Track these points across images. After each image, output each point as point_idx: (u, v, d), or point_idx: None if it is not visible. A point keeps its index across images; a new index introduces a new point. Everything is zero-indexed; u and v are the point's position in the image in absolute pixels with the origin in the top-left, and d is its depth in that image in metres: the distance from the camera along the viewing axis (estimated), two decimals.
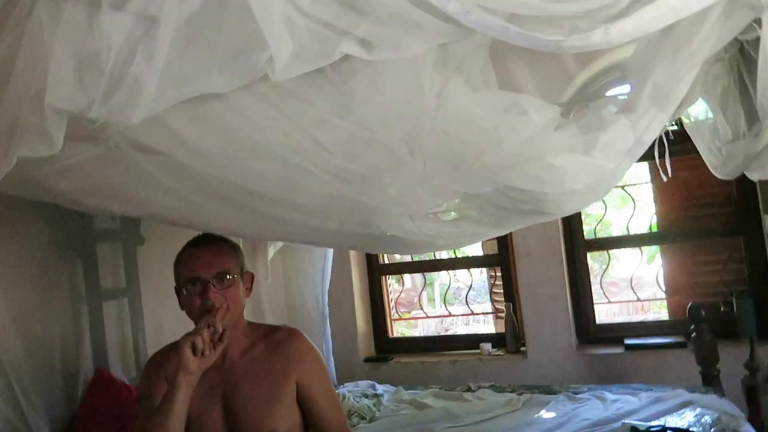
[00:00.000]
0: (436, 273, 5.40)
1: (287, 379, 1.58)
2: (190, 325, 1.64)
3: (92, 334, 2.39)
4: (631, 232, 3.45)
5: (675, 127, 2.35)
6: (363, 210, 1.30)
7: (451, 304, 4.86)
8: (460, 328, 6.31)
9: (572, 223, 3.35)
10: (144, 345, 2.55)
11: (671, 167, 2.12)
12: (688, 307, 2.72)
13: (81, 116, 0.92)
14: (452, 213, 1.47)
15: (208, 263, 1.51)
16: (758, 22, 1.23)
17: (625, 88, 2.69)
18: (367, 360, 3.65)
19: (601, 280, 3.62)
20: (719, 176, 1.98)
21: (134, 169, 1.23)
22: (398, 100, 1.01)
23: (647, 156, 1.65)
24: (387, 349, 3.77)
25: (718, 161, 1.90)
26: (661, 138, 2.14)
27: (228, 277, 1.52)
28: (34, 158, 0.95)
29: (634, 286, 3.58)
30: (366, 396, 2.93)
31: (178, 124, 1.09)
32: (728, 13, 1.07)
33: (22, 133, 0.94)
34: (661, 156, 2.09)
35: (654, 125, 1.29)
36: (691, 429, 1.99)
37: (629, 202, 3.53)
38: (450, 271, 4.03)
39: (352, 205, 1.28)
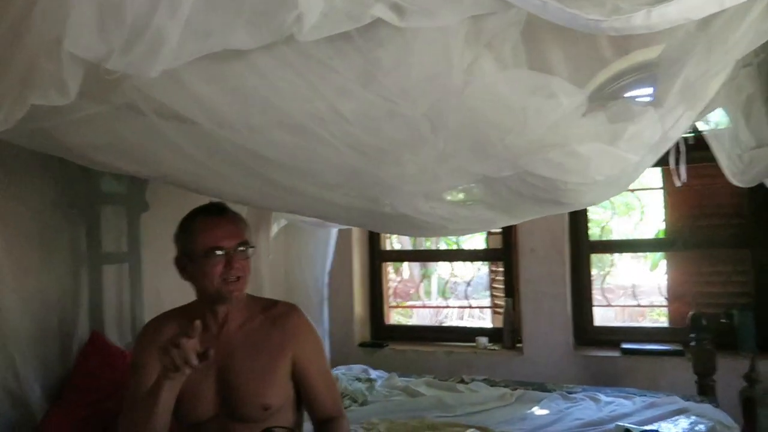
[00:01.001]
0: (435, 266, 5.40)
1: (284, 354, 1.57)
2: (189, 294, 1.63)
3: (90, 297, 2.37)
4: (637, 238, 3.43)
5: (691, 134, 2.33)
6: (378, 185, 1.28)
7: (448, 297, 4.85)
8: (454, 322, 6.30)
9: (578, 223, 3.33)
10: (141, 311, 2.53)
11: (684, 175, 2.10)
12: (689, 315, 2.71)
13: (99, 66, 0.90)
14: (467, 196, 1.44)
15: (230, 233, 1.50)
16: None
17: (646, 91, 2.67)
18: (362, 345, 3.64)
19: (602, 284, 3.60)
20: (738, 184, 1.95)
21: (147, 128, 1.20)
22: (425, 73, 0.98)
23: (661, 161, 1.62)
24: (382, 335, 3.76)
25: (738, 168, 1.88)
26: (677, 144, 2.12)
27: (248, 247, 1.52)
28: (47, 107, 0.93)
29: (634, 293, 3.56)
30: (359, 380, 2.92)
31: (195, 83, 1.06)
32: None
33: (37, 79, 0.92)
34: (677, 162, 2.07)
35: (681, 122, 1.27)
36: None
37: (633, 211, 3.51)
38: (449, 265, 4.01)
39: (367, 180, 1.25)
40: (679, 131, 1.32)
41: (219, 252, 1.48)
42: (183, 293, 1.67)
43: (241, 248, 1.51)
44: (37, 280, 2.21)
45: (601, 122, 1.13)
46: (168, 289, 2.51)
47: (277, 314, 1.62)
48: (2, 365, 2.06)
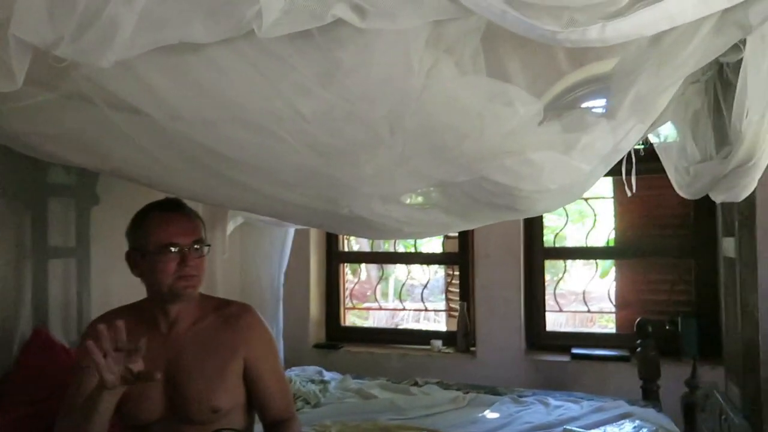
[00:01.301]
0: (392, 268, 5.41)
1: (235, 355, 1.54)
2: (140, 292, 1.58)
3: (34, 292, 2.28)
4: (589, 245, 3.51)
5: (642, 146, 2.40)
6: (335, 186, 1.27)
7: (404, 300, 4.87)
8: (410, 325, 6.32)
9: (533, 229, 3.39)
10: (89, 308, 2.45)
11: (635, 185, 2.16)
12: (636, 322, 2.80)
13: (48, 52, 0.87)
14: (424, 200, 1.45)
15: (186, 230, 1.47)
16: (744, 43, 1.25)
17: (600, 102, 2.74)
18: (317, 346, 3.62)
19: (554, 290, 3.67)
20: (684, 195, 2.02)
21: (98, 119, 1.16)
22: (385, 75, 0.98)
23: (612, 171, 1.67)
24: (337, 337, 3.75)
25: (685, 181, 1.94)
26: (628, 154, 2.18)
27: (203, 246, 1.49)
28: None
29: (584, 300, 3.65)
30: (313, 381, 2.91)
31: (149, 74, 1.03)
32: (718, 29, 1.08)
33: None
34: (628, 173, 2.13)
35: (631, 135, 1.30)
36: None
37: (587, 218, 3.59)
38: (406, 267, 4.03)
39: (324, 181, 1.24)
40: (630, 143, 1.36)
41: (173, 249, 1.44)
42: (133, 290, 1.62)
43: (196, 246, 1.48)
44: None
45: (555, 131, 1.15)
46: (118, 286, 2.44)
47: (230, 314, 1.59)
48: None
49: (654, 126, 1.60)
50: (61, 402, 1.60)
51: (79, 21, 0.84)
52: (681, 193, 2.05)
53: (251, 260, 3.38)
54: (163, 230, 1.45)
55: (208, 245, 1.52)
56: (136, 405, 1.49)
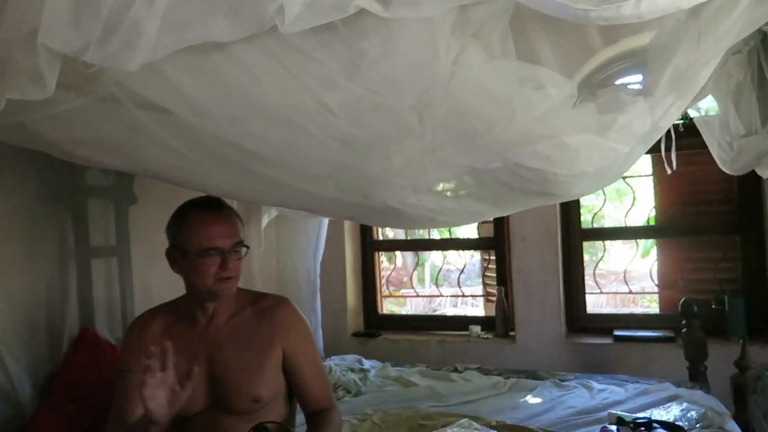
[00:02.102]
0: (428, 254, 5.38)
1: (273, 347, 1.56)
2: (179, 288, 1.61)
3: (79, 292, 2.35)
4: (628, 225, 3.43)
5: (682, 121, 2.32)
6: (365, 179, 1.26)
7: (441, 285, 4.85)
8: (448, 310, 6.31)
9: (570, 211, 3.32)
10: (131, 305, 2.51)
11: (675, 162, 2.09)
12: (680, 302, 2.72)
13: (76, 59, 0.88)
14: (456, 188, 1.43)
15: (227, 232, 1.47)
16: None
17: (636, 78, 2.65)
18: (355, 335, 3.64)
19: (594, 271, 3.60)
20: (728, 171, 1.95)
21: (129, 122, 1.18)
22: (411, 64, 0.96)
23: (651, 148, 1.61)
24: (375, 325, 3.76)
25: (728, 156, 1.87)
26: (668, 131, 2.11)
27: (242, 248, 1.50)
28: (25, 102, 0.91)
29: (626, 280, 3.57)
30: (352, 370, 2.92)
31: (177, 75, 1.04)
32: None
33: (13, 73, 0.90)
34: (668, 149, 2.06)
35: (671, 112, 1.25)
36: (676, 423, 1.98)
37: (625, 197, 3.50)
38: (442, 253, 4.01)
39: (353, 174, 1.23)
40: (670, 120, 1.31)
41: (214, 252, 1.45)
42: (172, 287, 1.65)
43: (236, 249, 1.49)
44: (23, 275, 2.18)
45: (590, 113, 1.11)
46: (157, 283, 2.50)
47: (267, 307, 1.61)
48: None
49: (694, 101, 1.53)
50: (111, 405, 1.65)
51: (103, 26, 0.84)
52: (725, 169, 1.98)
53: (287, 252, 3.41)
54: (205, 233, 1.45)
55: (247, 247, 1.53)
56: None
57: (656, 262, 3.37)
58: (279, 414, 1.59)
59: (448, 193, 1.43)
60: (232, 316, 1.58)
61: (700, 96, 1.70)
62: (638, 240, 3.54)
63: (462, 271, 3.93)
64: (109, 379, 2.15)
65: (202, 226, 1.46)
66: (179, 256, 1.50)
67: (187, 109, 1.10)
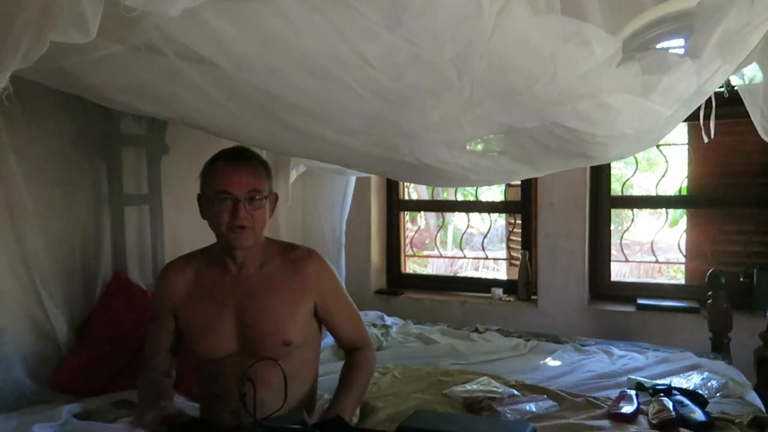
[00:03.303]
0: (451, 217, 5.38)
1: (304, 297, 1.61)
2: (208, 236, 1.64)
3: (113, 238, 2.41)
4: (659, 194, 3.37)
5: (722, 89, 2.24)
6: (400, 134, 1.25)
7: (463, 249, 4.86)
8: (469, 273, 6.34)
9: (600, 177, 3.28)
10: (162, 253, 2.57)
11: (713, 131, 2.03)
12: (708, 273, 2.69)
13: (118, 2, 0.88)
14: (491, 147, 1.41)
15: (242, 181, 1.48)
16: None
17: (676, 42, 2.56)
18: (378, 292, 3.68)
19: (620, 240, 3.57)
20: None
21: (167, 69, 1.19)
22: (453, 17, 0.94)
23: (688, 116, 1.57)
24: (398, 284, 3.80)
25: None
26: (708, 97, 2.05)
27: (258, 197, 1.51)
28: (67, 46, 0.92)
29: (652, 250, 3.53)
30: (375, 326, 2.97)
31: (216, 23, 1.03)
32: None
33: (56, 16, 0.90)
34: (707, 117, 2.00)
35: (717, 76, 1.22)
36: (697, 391, 1.98)
37: (655, 167, 3.44)
38: (466, 215, 4.00)
39: (388, 128, 1.23)
40: (714, 85, 1.27)
41: (226, 197, 1.48)
42: (202, 235, 1.69)
43: (252, 197, 1.50)
44: (60, 219, 2.24)
45: (634, 73, 1.08)
46: (187, 231, 2.55)
47: (296, 257, 1.64)
48: (30, 301, 2.12)
49: (740, 66, 1.48)
50: (142, 339, 1.73)
51: None
52: (767, 139, 1.92)
53: (313, 208, 3.44)
54: (221, 178, 1.49)
55: (266, 197, 1.54)
56: (210, 342, 1.58)
57: (685, 233, 3.33)
58: (307, 358, 1.65)
59: (483, 152, 1.42)
60: (262, 265, 1.62)
61: (747, 62, 1.64)
62: (668, 210, 3.48)
63: (485, 236, 3.93)
64: (140, 323, 2.23)
65: (221, 171, 1.50)
66: (203, 202, 1.56)
67: (225, 58, 1.11)
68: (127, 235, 2.45)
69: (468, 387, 2.07)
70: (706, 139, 2.00)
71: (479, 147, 1.46)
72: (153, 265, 2.56)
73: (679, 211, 3.52)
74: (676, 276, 4.36)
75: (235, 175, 1.48)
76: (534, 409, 1.88)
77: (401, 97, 1.12)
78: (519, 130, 1.22)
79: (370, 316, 3.16)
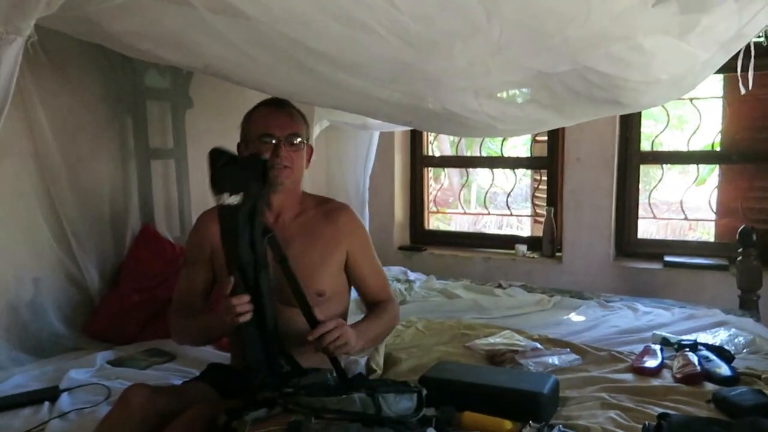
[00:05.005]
0: (474, 176, 5.31)
1: (338, 247, 1.65)
2: None
3: (140, 191, 2.45)
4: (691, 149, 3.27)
5: (762, 38, 2.14)
6: (426, 80, 1.23)
7: (487, 207, 4.81)
8: (493, 230, 6.30)
9: (630, 132, 3.20)
10: (188, 206, 2.60)
11: (751, 82, 1.95)
12: (739, 230, 2.64)
13: None
14: (519, 94, 1.38)
15: (283, 123, 1.56)
16: None
17: None
18: (402, 248, 3.70)
19: (648, 199, 3.49)
20: None
21: (190, 16, 1.17)
22: None
23: (723, 68, 1.51)
24: (421, 240, 3.80)
25: None
26: (747, 46, 1.96)
27: (297, 140, 1.57)
28: None
29: (682, 207, 3.45)
30: (398, 280, 2.99)
31: None
32: None
33: None
34: (744, 68, 1.92)
35: (759, 18, 1.16)
36: (723, 347, 1.97)
37: (686, 124, 3.33)
38: (490, 172, 3.95)
39: (414, 75, 1.20)
40: (756, 28, 1.21)
41: (267, 139, 1.54)
42: None
43: (292, 140, 1.56)
44: (88, 172, 2.27)
45: (671, 12, 1.03)
46: None
47: (330, 209, 1.69)
48: (63, 252, 2.18)
49: None
50: (170, 290, 1.76)
51: None
52: None
53: (336, 164, 3.43)
54: (262, 121, 1.57)
55: (305, 141, 1.60)
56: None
57: (716, 190, 3.25)
58: (337, 313, 1.67)
59: (510, 99, 1.39)
60: (298, 215, 1.66)
61: None
62: (698, 166, 3.39)
63: (509, 194, 3.89)
64: (169, 274, 2.28)
65: (262, 116, 1.58)
66: (243, 148, 1.61)
67: (249, 4, 1.09)
68: (153, 189, 2.49)
69: (491, 340, 2.09)
70: (743, 91, 1.93)
71: (511, 93, 1.43)
72: (180, 219, 2.60)
73: (707, 169, 3.43)
74: (704, 236, 4.27)
75: (276, 119, 1.56)
76: (557, 362, 1.89)
77: (427, 41, 1.09)
78: (549, 75, 1.18)
79: (393, 271, 3.17)
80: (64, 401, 1.67)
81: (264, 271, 1.41)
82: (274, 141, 1.54)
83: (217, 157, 1.39)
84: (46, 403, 1.65)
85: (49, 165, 2.11)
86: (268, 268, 1.42)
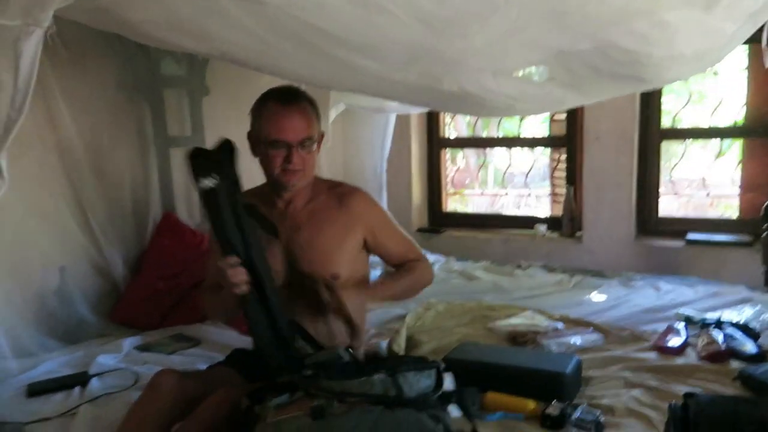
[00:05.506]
0: (491, 157, 5.27)
1: (353, 231, 1.63)
2: (250, 177, 1.66)
3: (160, 179, 2.47)
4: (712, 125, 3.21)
5: None
6: (443, 62, 1.21)
7: (505, 188, 4.77)
8: (511, 211, 6.26)
9: (650, 109, 3.14)
10: None
11: None
12: (764, 205, 2.59)
13: None
14: (538, 73, 1.36)
15: (297, 128, 1.50)
16: None
17: None
18: (420, 230, 3.69)
19: (669, 176, 3.43)
20: None
21: (206, 2, 1.17)
22: None
23: (749, 39, 1.46)
24: (440, 222, 3.79)
25: None
26: None
27: (311, 143, 1.53)
28: None
29: (704, 184, 3.39)
30: None
31: None
32: None
33: None
34: None
35: None
36: (748, 324, 1.95)
37: (706, 99, 3.25)
38: (508, 153, 3.91)
39: (431, 56, 1.19)
40: None
41: (281, 145, 1.49)
42: (246, 176, 1.70)
43: (304, 143, 1.51)
44: (109, 162, 2.30)
45: None
46: None
47: (342, 193, 1.67)
48: (88, 241, 2.22)
49: None
50: (192, 277, 1.77)
51: None
52: None
53: (353, 147, 3.43)
54: (274, 125, 1.49)
55: (317, 142, 1.56)
56: None
57: (740, 165, 3.18)
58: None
59: (529, 78, 1.37)
60: (309, 201, 1.64)
61: None
62: (722, 141, 3.32)
63: (527, 175, 3.85)
64: (191, 261, 2.31)
65: (274, 117, 1.50)
66: (255, 141, 1.57)
67: None
68: (173, 177, 2.50)
69: (512, 321, 2.09)
70: (767, 65, 1.88)
71: (524, 72, 1.40)
72: (200, 206, 2.61)
73: (728, 143, 3.35)
74: (727, 212, 4.20)
75: (288, 122, 1.49)
76: (579, 342, 1.88)
77: (444, 21, 1.07)
78: (569, 54, 1.16)
79: None
80: (94, 386, 1.71)
81: (255, 245, 1.41)
82: (285, 146, 1.49)
83: (190, 154, 1.41)
84: (77, 388, 1.69)
85: (72, 155, 2.14)
86: (259, 243, 1.42)
